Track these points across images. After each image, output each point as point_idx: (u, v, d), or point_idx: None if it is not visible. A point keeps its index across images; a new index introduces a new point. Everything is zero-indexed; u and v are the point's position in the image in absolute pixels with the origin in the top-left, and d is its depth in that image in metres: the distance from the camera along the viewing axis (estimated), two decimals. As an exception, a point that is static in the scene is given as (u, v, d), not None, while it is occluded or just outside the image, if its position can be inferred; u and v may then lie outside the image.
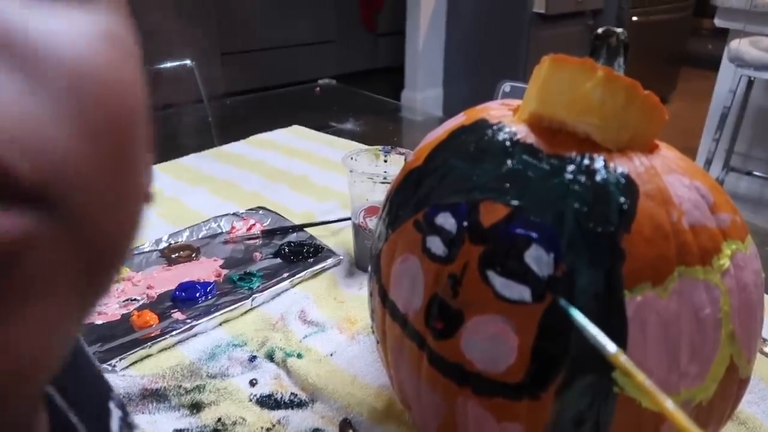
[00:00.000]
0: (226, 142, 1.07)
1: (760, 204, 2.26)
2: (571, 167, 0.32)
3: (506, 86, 1.40)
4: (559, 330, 0.30)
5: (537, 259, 0.30)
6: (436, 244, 0.33)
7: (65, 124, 0.13)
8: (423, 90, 3.21)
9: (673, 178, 0.32)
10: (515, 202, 0.31)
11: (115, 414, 0.29)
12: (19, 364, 0.13)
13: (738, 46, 1.90)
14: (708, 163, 2.10)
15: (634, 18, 3.28)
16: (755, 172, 2.20)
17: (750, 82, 2.00)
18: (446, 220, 0.33)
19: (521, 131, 0.34)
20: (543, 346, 0.30)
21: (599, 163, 0.32)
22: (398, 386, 0.39)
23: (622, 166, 0.32)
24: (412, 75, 3.22)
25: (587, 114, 0.32)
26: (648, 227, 0.30)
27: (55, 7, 0.13)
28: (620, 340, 0.30)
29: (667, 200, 0.31)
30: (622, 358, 0.27)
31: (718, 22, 2.13)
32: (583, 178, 0.31)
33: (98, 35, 0.14)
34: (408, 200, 0.36)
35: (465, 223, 0.32)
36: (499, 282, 0.31)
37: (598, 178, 0.31)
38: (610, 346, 0.27)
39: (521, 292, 0.30)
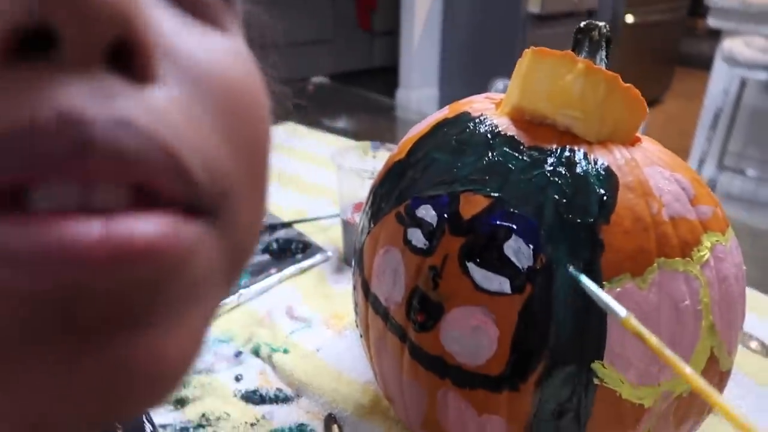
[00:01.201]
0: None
1: (754, 203, 2.27)
2: (551, 159, 0.31)
3: (499, 84, 1.40)
4: (538, 321, 0.30)
5: (516, 250, 0.30)
6: (417, 237, 0.33)
7: (225, 135, 0.13)
8: (418, 89, 3.21)
9: (653, 170, 0.32)
10: (495, 194, 0.31)
11: (147, 428, 0.29)
12: (177, 366, 0.13)
13: (731, 45, 1.91)
14: (701, 162, 2.11)
15: (629, 18, 3.29)
16: (749, 171, 2.21)
17: (743, 82, 2.00)
18: (427, 213, 0.33)
19: (502, 124, 0.34)
20: (522, 337, 0.30)
21: (579, 155, 0.32)
22: (381, 380, 0.39)
23: (602, 158, 0.32)
24: (407, 74, 3.22)
25: (568, 106, 0.32)
26: (627, 219, 0.30)
27: (206, 30, 0.14)
28: (600, 331, 0.30)
29: (647, 192, 0.31)
30: (634, 322, 0.26)
31: (712, 22, 2.13)
32: (563, 170, 0.31)
33: (236, 53, 0.15)
34: (390, 193, 0.36)
35: (445, 215, 0.32)
36: (478, 274, 0.31)
37: (578, 170, 0.31)
38: (621, 311, 0.26)
39: (501, 283, 0.30)
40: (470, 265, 0.31)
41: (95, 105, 0.10)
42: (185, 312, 0.13)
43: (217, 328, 0.57)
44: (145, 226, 0.11)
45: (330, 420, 0.46)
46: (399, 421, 0.46)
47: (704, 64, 2.64)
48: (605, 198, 0.30)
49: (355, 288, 0.40)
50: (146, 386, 0.12)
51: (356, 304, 0.40)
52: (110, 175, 0.11)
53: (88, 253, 0.10)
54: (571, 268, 0.29)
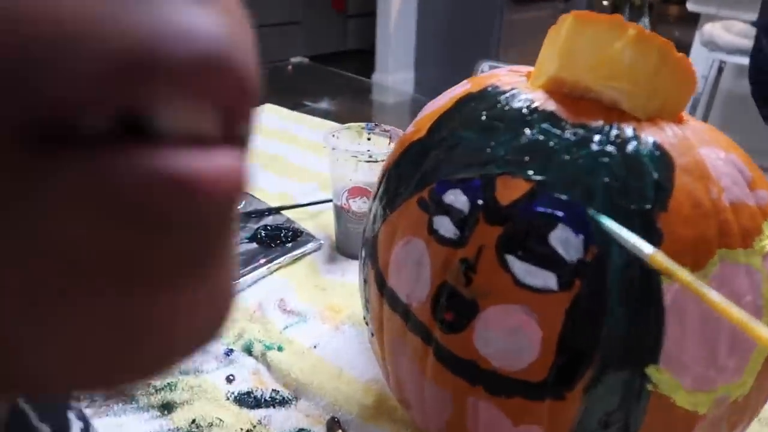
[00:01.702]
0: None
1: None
2: (597, 137, 0.28)
3: (485, 66, 1.37)
4: (588, 321, 0.26)
5: (564, 241, 0.26)
6: (445, 226, 0.29)
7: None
8: (394, 72, 3.15)
9: (708, 151, 0.29)
10: (537, 177, 0.27)
11: (76, 425, 0.26)
12: (228, 308, 0.13)
13: (711, 30, 1.91)
14: (679, 147, 2.12)
15: (605, 2, 3.29)
16: (723, 157, 2.22)
17: (720, 67, 2.01)
18: (457, 198, 0.29)
19: (539, 98, 0.30)
20: (570, 339, 0.27)
21: (629, 132, 0.28)
22: (396, 383, 0.36)
23: (654, 136, 0.28)
24: (383, 57, 3.16)
25: (615, 78, 0.29)
26: (686, 205, 0.27)
27: None
28: (657, 331, 0.26)
29: (705, 175, 0.28)
30: (661, 258, 0.23)
31: (691, 6, 2.13)
32: (612, 150, 0.27)
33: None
34: (410, 176, 0.32)
35: (479, 201, 0.28)
36: (520, 268, 0.27)
37: (629, 149, 0.27)
38: (647, 248, 0.23)
39: (546, 279, 0.26)
40: (510, 258, 0.27)
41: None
42: (230, 249, 0.13)
43: (203, 324, 0.52)
44: (234, 159, 0.11)
45: (333, 424, 0.42)
46: (408, 424, 0.42)
47: (680, 51, 2.65)
48: (661, 181, 0.27)
49: (366, 282, 0.36)
50: (214, 327, 0.13)
51: (367, 300, 0.37)
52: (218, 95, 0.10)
53: (213, 186, 0.10)
54: (590, 211, 0.26)
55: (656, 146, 0.28)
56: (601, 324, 0.26)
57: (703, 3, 2.08)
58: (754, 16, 1.81)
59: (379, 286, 0.34)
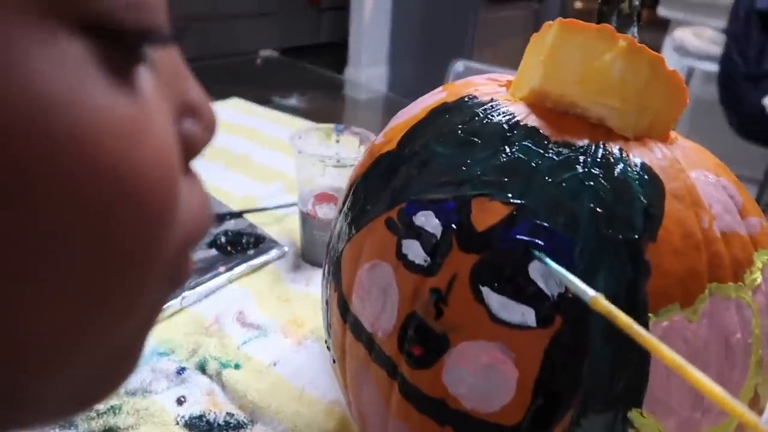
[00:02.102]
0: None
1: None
2: (583, 158, 0.26)
3: (459, 65, 1.34)
4: (569, 360, 0.24)
5: (545, 273, 0.24)
6: (414, 250, 0.27)
7: None
8: (367, 67, 3.11)
9: (698, 174, 0.27)
10: (517, 201, 0.25)
11: None
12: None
13: (681, 35, 1.93)
14: (647, 151, 2.14)
15: (578, 5, 3.31)
16: (690, 162, 2.25)
17: (689, 72, 2.03)
18: (428, 221, 0.26)
19: (521, 112, 0.28)
20: (549, 380, 0.24)
21: (616, 153, 0.26)
22: (358, 414, 0.33)
23: (642, 157, 0.26)
24: (356, 51, 3.12)
25: (603, 93, 0.26)
26: (677, 235, 0.24)
27: None
28: (641, 372, 0.24)
29: (696, 201, 0.25)
30: (603, 302, 0.21)
31: (662, 11, 2.15)
32: (599, 172, 0.25)
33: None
34: (378, 192, 0.29)
35: (453, 226, 0.26)
36: (495, 301, 0.24)
37: (616, 172, 0.25)
38: (589, 291, 0.21)
39: (524, 314, 0.24)
40: (485, 290, 0.25)
41: None
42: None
43: (155, 338, 0.49)
44: None
45: (291, 452, 0.39)
46: (372, 451, 0.40)
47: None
48: (650, 208, 0.25)
49: (327, 304, 0.34)
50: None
51: (329, 324, 0.34)
52: None
53: None
54: (535, 252, 0.24)
55: (645, 169, 0.25)
56: (582, 364, 0.24)
57: (674, 8, 2.10)
58: (723, 23, 1.84)
59: (342, 312, 0.31)
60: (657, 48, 2.24)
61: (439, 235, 0.26)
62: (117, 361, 0.14)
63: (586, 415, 0.24)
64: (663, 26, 2.24)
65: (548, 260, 0.23)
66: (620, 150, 0.26)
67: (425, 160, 0.28)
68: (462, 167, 0.26)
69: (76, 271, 0.11)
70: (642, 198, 0.25)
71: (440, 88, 0.33)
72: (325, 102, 1.22)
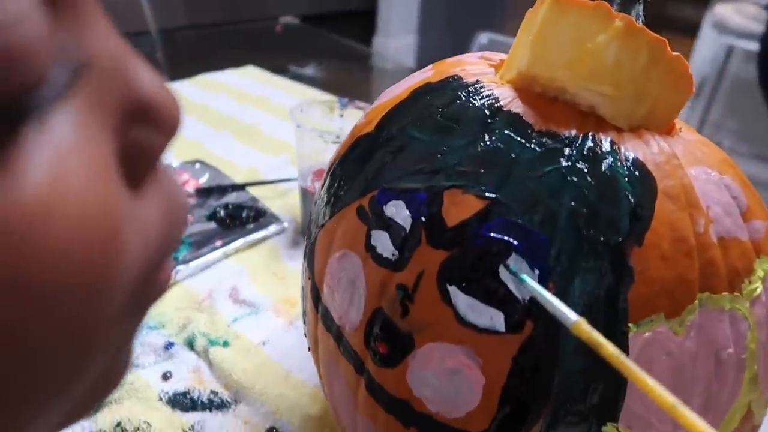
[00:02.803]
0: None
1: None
2: (568, 150, 0.23)
3: (483, 38, 1.30)
4: (538, 370, 0.22)
5: (516, 274, 0.22)
6: (383, 243, 0.25)
7: None
8: (396, 37, 3.05)
9: (698, 172, 0.24)
10: (492, 195, 0.23)
11: None
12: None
13: (722, 11, 1.83)
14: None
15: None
16: (724, 143, 2.17)
17: (729, 51, 1.94)
18: (398, 212, 0.25)
19: (505, 96, 0.25)
20: (517, 388, 0.23)
21: (605, 145, 0.24)
22: (332, 405, 0.32)
23: (635, 151, 0.24)
24: (385, 20, 3.05)
25: (596, 78, 0.24)
26: (666, 240, 0.22)
27: None
28: (618, 385, 0.22)
29: (692, 202, 0.23)
30: (586, 327, 0.19)
31: (704, -16, 2.04)
32: (584, 167, 0.23)
33: None
34: (352, 178, 0.28)
35: (422, 218, 0.24)
36: (463, 302, 0.23)
37: (603, 166, 0.23)
38: (571, 315, 0.20)
39: (492, 317, 0.22)
40: (452, 290, 0.23)
41: None
42: None
43: (146, 311, 0.48)
44: None
45: (271, 436, 0.39)
46: (353, 438, 0.39)
47: (689, 31, 2.56)
48: (638, 209, 0.22)
49: (303, 291, 0.32)
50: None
51: (304, 312, 0.32)
52: None
53: None
54: (510, 265, 0.22)
55: (636, 164, 0.23)
56: (553, 374, 0.22)
57: (717, -18, 1.99)
58: (768, -1, 1.73)
59: (314, 301, 0.30)
60: (696, 25, 2.14)
61: (408, 227, 0.24)
62: (100, 383, 0.14)
63: (557, 427, 0.23)
64: (705, 1, 2.13)
65: (525, 276, 0.21)
66: (611, 142, 0.24)
67: (401, 145, 0.26)
68: (438, 155, 0.24)
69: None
70: (630, 197, 0.22)
71: (430, 66, 0.31)
72: (349, 72, 1.19)
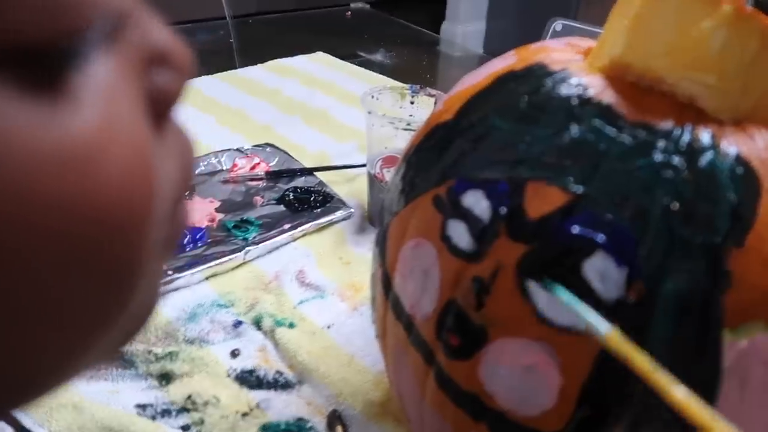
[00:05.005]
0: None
1: None
2: (662, 143, 0.22)
3: (557, 24, 1.25)
4: (621, 373, 0.21)
5: (602, 273, 0.21)
6: (459, 233, 0.24)
7: None
8: (465, 23, 3.00)
9: (809, 170, 0.22)
10: (578, 188, 0.22)
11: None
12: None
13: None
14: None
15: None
16: None
17: None
18: (477, 202, 0.24)
19: (595, 85, 0.24)
20: (596, 391, 0.22)
21: (705, 139, 0.22)
22: (398, 394, 0.32)
23: (738, 146, 0.22)
24: (454, 5, 3.01)
25: (699, 67, 0.22)
26: (770, 242, 0.21)
27: None
28: (708, 395, 0.21)
29: (801, 203, 0.21)
30: (619, 340, 0.18)
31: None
32: (680, 161, 0.21)
33: None
34: (429, 166, 0.27)
35: (503, 210, 0.23)
36: (543, 298, 0.22)
37: (702, 162, 0.21)
38: (603, 326, 0.19)
39: (574, 316, 0.21)
40: (532, 285, 0.22)
41: None
42: None
43: (217, 289, 0.50)
44: None
45: (334, 419, 0.39)
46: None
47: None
48: (740, 208, 0.21)
49: (373, 278, 0.32)
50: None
51: (373, 298, 0.32)
52: None
53: None
54: (545, 279, 0.21)
55: (740, 161, 0.22)
56: (636, 379, 0.21)
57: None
58: None
59: (385, 288, 0.29)
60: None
61: (487, 219, 0.23)
62: (137, 318, 0.15)
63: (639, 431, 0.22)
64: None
65: (558, 288, 0.20)
66: (711, 136, 0.22)
67: (482, 134, 0.25)
68: (520, 145, 0.24)
69: (62, 308, 0.10)
70: (731, 195, 0.21)
71: (512, 52, 0.30)
72: (412, 58, 1.18)
